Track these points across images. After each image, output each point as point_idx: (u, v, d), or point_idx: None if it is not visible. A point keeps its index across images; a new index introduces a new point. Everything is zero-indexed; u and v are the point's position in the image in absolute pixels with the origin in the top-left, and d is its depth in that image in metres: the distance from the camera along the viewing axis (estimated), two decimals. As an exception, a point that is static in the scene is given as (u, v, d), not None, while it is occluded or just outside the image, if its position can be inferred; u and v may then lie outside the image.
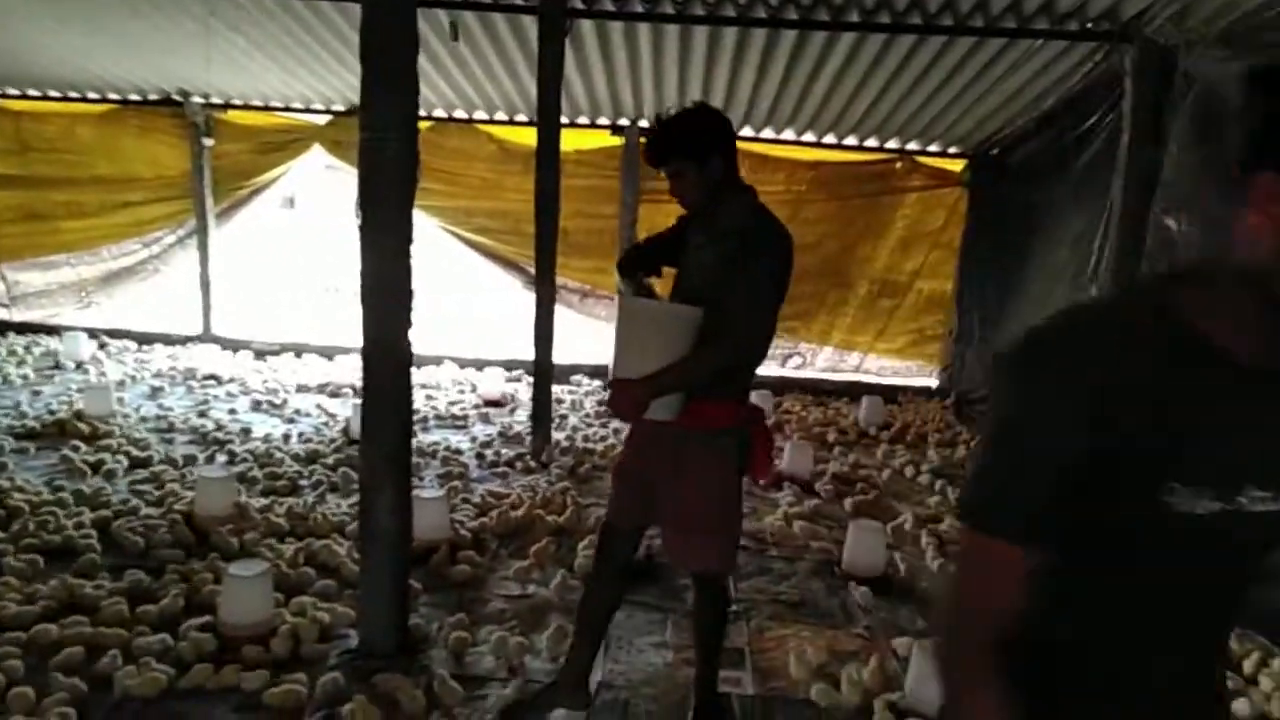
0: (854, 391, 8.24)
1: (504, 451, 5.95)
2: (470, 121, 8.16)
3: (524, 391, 7.45)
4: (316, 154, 8.44)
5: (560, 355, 6.18)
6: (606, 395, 2.82)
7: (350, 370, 7.83)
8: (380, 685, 3.21)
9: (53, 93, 8.42)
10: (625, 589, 3.22)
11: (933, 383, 8.56)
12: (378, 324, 3.30)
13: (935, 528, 5.10)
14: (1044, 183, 6.89)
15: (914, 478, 6.08)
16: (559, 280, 6.23)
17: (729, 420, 2.80)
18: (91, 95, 8.40)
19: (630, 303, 2.82)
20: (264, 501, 4.80)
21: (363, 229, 3.23)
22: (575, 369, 8.19)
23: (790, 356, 8.64)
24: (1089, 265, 5.95)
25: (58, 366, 7.55)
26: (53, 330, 8.44)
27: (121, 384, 7.11)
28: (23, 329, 8.47)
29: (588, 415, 7.07)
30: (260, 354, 8.31)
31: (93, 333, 8.33)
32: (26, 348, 8.02)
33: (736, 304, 2.64)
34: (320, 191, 9.59)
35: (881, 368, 8.71)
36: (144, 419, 6.25)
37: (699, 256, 2.82)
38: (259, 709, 3.07)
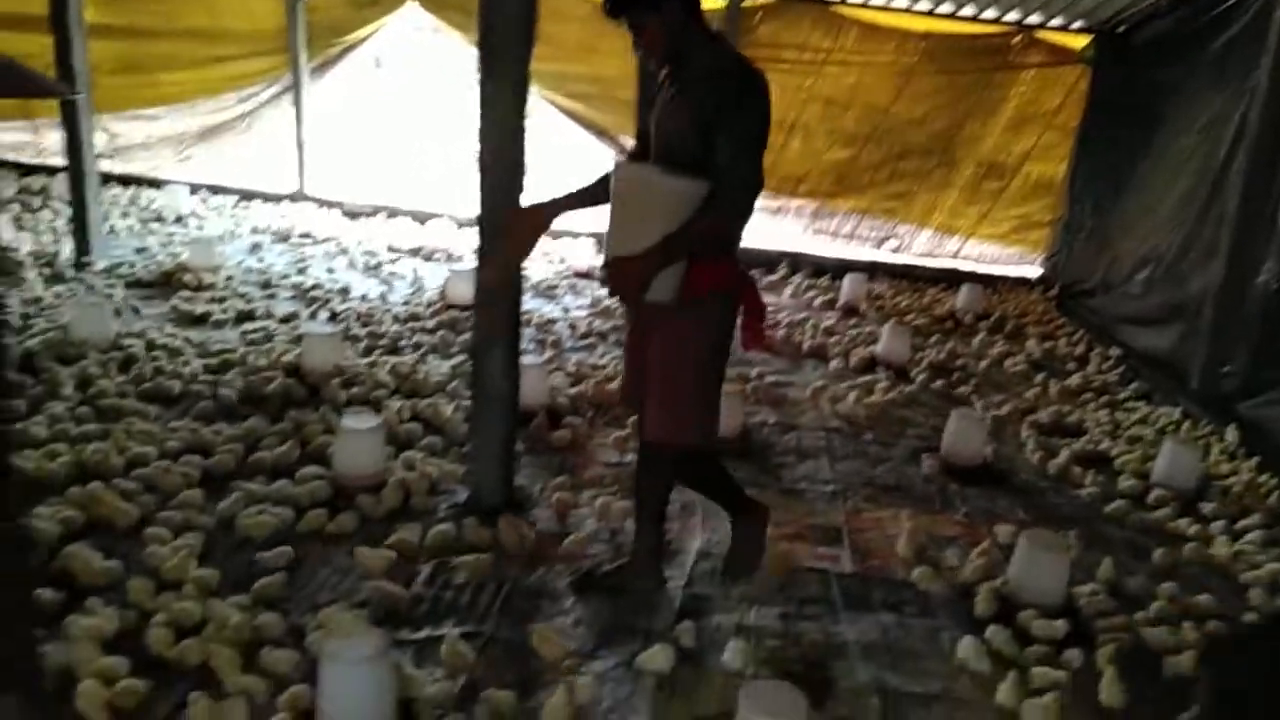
0: (950, 279, 8.03)
1: (595, 323, 5.96)
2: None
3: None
4: (407, 14, 8.27)
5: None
6: (603, 275, 2.63)
7: (442, 235, 7.85)
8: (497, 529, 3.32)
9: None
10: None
11: (1034, 273, 8.28)
12: (493, 189, 3.26)
13: (1034, 418, 5.01)
14: (1174, 63, 6.44)
15: (1013, 369, 5.94)
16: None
17: (710, 284, 2.65)
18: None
19: (629, 172, 2.67)
20: (367, 360, 4.89)
21: (483, 93, 3.16)
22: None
23: (886, 238, 8.41)
24: (1218, 154, 5.59)
25: (159, 219, 7.70)
26: (153, 183, 8.58)
27: (221, 238, 7.24)
28: (125, 181, 8.62)
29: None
30: (352, 215, 8.37)
31: (193, 187, 8.45)
32: (131, 200, 8.18)
33: (724, 159, 2.51)
34: (408, 54, 9.41)
35: (981, 254, 8.45)
36: (246, 273, 6.38)
37: (674, 114, 2.63)
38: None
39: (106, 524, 3.20)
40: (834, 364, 5.59)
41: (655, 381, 2.79)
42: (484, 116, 3.20)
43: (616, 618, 2.99)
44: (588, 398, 4.69)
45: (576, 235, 8.03)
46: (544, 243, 7.83)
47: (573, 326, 5.92)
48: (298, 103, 8.53)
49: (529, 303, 6.28)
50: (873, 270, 7.86)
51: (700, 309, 2.68)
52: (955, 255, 8.45)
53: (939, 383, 5.47)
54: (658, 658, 2.73)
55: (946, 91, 7.92)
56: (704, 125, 2.52)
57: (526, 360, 4.46)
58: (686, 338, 2.71)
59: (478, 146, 3.23)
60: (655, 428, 2.83)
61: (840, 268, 7.68)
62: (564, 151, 9.21)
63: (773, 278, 7.58)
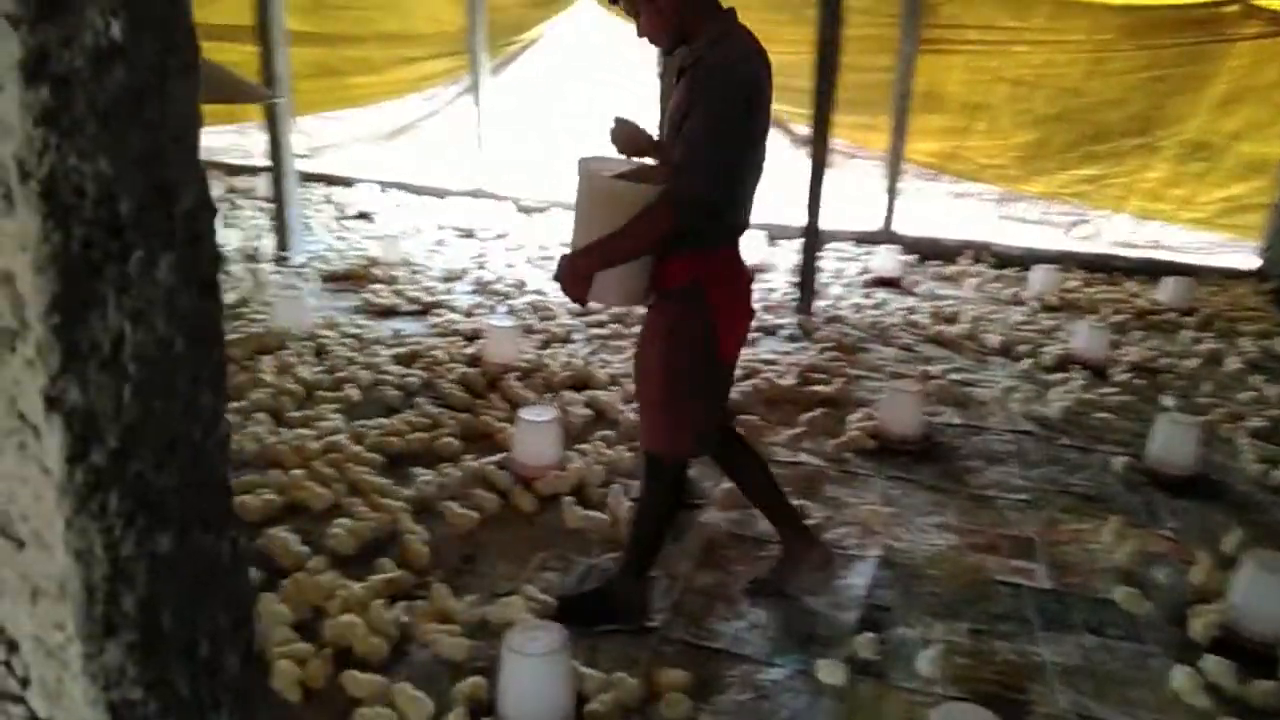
0: (1150, 269, 7.43)
1: (765, 318, 5.85)
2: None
3: (782, 258, 7.26)
4: (583, 11, 8.38)
5: (824, 220, 5.91)
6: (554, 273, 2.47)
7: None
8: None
9: (344, -50, 8.76)
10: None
11: (1244, 263, 7.56)
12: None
13: (1251, 424, 4.55)
14: None
15: (1225, 369, 5.43)
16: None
17: (680, 278, 2.47)
18: (378, -48, 8.67)
19: (583, 172, 2.50)
20: (544, 352, 4.97)
21: (664, 81, 3.12)
22: (835, 235, 7.86)
23: (1077, 224, 7.88)
24: None
25: (352, 216, 8.12)
26: (346, 182, 9.06)
27: (407, 234, 7.55)
28: (320, 180, 9.14)
29: (850, 283, 6.80)
30: (527, 210, 8.56)
31: (382, 185, 8.87)
32: (326, 198, 8.66)
33: (680, 153, 2.34)
34: (584, 50, 9.53)
35: (1184, 242, 7.79)
36: (430, 268, 6.62)
37: (672, 107, 2.45)
38: (553, 538, 3.23)
39: (303, 507, 3.37)
40: (1023, 363, 5.26)
41: (639, 383, 2.68)
42: (663, 108, 3.16)
43: (794, 624, 2.90)
44: (756, 395, 4.60)
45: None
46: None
47: (744, 320, 5.82)
48: (477, 101, 8.80)
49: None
50: (1064, 260, 7.38)
51: (670, 306, 2.53)
52: (1155, 245, 7.82)
53: (1141, 383, 5.06)
54: (836, 670, 2.63)
55: (1147, 69, 7.34)
56: (681, 119, 2.37)
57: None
58: (656, 337, 2.57)
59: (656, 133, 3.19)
60: (642, 435, 2.71)
61: (1028, 258, 7.25)
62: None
63: (953, 269, 7.23)
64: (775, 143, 8.23)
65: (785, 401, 4.59)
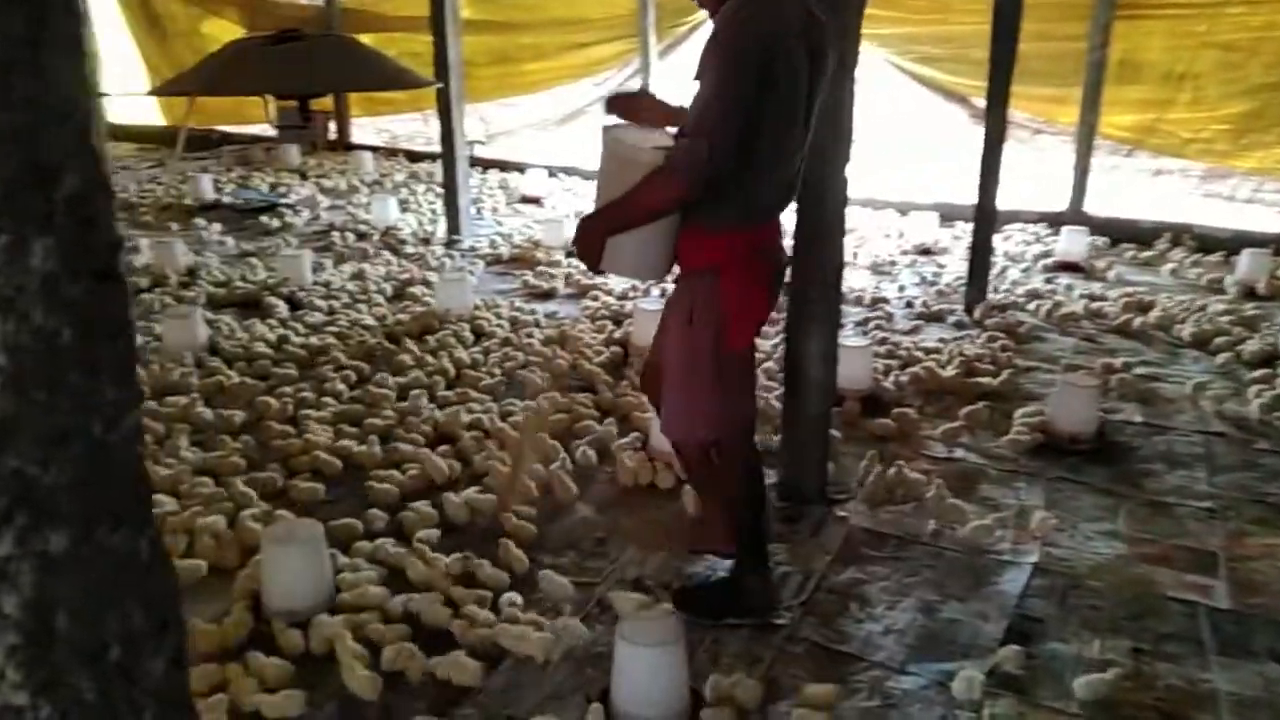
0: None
1: (932, 304, 5.56)
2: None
3: (955, 240, 6.89)
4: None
5: (1003, 200, 5.55)
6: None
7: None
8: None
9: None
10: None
11: None
12: (815, 158, 3.06)
13: None
14: None
15: None
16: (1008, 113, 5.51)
17: (696, 260, 2.42)
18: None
19: (605, 135, 2.43)
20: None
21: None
22: (1016, 215, 7.38)
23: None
24: None
25: (522, 200, 8.31)
26: (518, 167, 9.28)
27: (570, 218, 7.64)
28: (494, 165, 9.41)
29: (1028, 267, 6.37)
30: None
31: (550, 170, 9.03)
32: (499, 183, 8.91)
33: (686, 122, 2.29)
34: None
35: None
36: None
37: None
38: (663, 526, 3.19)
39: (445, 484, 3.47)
40: (1221, 356, 4.77)
41: (664, 367, 2.61)
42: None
43: (933, 630, 2.73)
44: (915, 384, 4.37)
45: (917, 208, 7.57)
46: (881, 216, 7.53)
47: (909, 305, 5.56)
48: (645, 84, 8.79)
49: (859, 279, 6.01)
50: (1276, 244, 6.63)
51: (685, 289, 2.47)
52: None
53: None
54: (975, 683, 2.45)
55: None
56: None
57: (850, 342, 4.26)
58: (672, 321, 2.52)
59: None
60: (664, 419, 2.67)
61: (1235, 241, 6.56)
62: (909, 118, 8.76)
63: (1148, 253, 6.64)
64: (952, 116, 7.88)
65: (946, 393, 4.35)
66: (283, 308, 5.31)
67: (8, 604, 0.48)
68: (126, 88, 10.15)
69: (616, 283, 5.92)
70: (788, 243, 2.72)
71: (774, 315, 3.01)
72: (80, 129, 0.48)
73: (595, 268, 2.45)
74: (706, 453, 2.67)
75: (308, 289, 5.60)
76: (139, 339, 4.70)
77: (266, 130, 7.97)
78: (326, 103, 9.75)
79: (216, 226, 7.00)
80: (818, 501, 3.36)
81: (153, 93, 9.11)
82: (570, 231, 6.76)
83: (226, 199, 7.86)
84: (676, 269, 2.51)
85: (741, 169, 2.28)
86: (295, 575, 2.73)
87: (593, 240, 2.37)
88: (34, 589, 0.49)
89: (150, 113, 10.76)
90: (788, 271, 2.74)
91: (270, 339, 4.77)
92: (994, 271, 5.85)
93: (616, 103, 2.61)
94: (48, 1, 0.45)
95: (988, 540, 3.14)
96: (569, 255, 2.48)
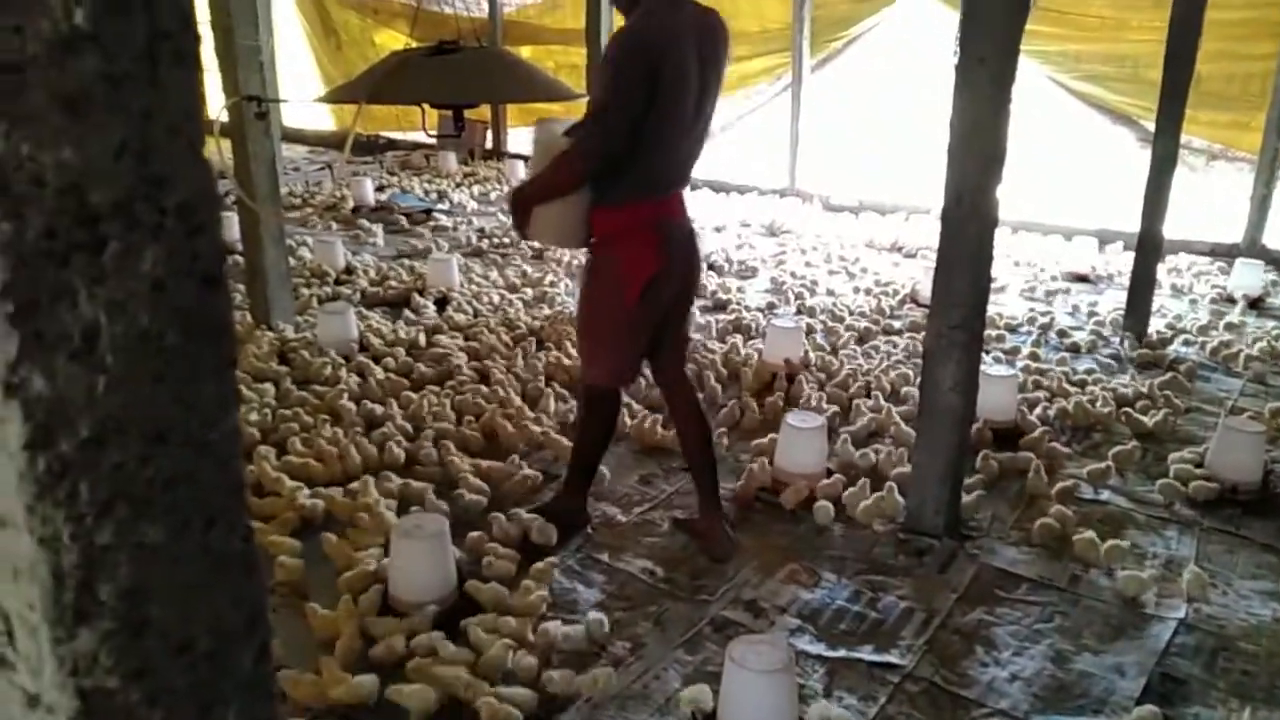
0: None
1: (1086, 334, 5.27)
2: (1093, -51, 7.07)
3: (1115, 268, 6.53)
4: (909, 5, 8.05)
5: (1171, 228, 5.22)
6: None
7: (922, 231, 7.53)
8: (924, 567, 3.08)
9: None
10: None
11: None
12: (962, 177, 2.97)
13: None
14: None
15: None
16: (1182, 137, 5.18)
17: (599, 229, 2.84)
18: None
19: (538, 126, 3.00)
20: (829, 355, 4.82)
21: (959, 70, 2.88)
22: (1184, 246, 6.94)
23: None
24: None
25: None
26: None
27: (717, 230, 7.63)
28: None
29: (1195, 301, 5.97)
30: (836, 209, 8.37)
31: (693, 184, 9.03)
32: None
33: (587, 109, 2.79)
34: (907, 44, 9.14)
35: None
36: (730, 264, 6.65)
37: None
38: (807, 550, 3.12)
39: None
40: None
41: (578, 321, 3.10)
42: (958, 99, 2.93)
43: (1064, 681, 2.58)
44: (1062, 419, 4.15)
45: (1075, 233, 7.21)
46: (1035, 240, 7.20)
47: (1061, 334, 5.29)
48: (795, 98, 8.72)
49: (1007, 304, 5.77)
50: None
51: (593, 254, 2.91)
52: None
53: None
54: (1106, 742, 2.30)
55: None
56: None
57: (994, 370, 4.09)
58: (583, 280, 3.02)
59: (950, 129, 2.97)
60: (586, 365, 3.11)
61: None
62: (1073, 137, 8.37)
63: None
64: (1120, 139, 7.49)
65: (1095, 430, 4.12)
66: (430, 309, 5.50)
67: (104, 592, 0.50)
68: (301, 93, 10.79)
69: (756, 298, 5.88)
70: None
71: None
72: (191, 141, 0.50)
73: (523, 234, 2.91)
74: (610, 396, 3.12)
75: (456, 291, 5.79)
76: (301, 330, 4.97)
77: (427, 137, 8.31)
78: (484, 112, 10.08)
79: (375, 228, 7.33)
80: (947, 536, 3.23)
81: (321, 99, 9.64)
82: (709, 244, 6.84)
83: (385, 202, 8.23)
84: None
85: (635, 151, 2.67)
86: (421, 568, 2.81)
87: (521, 209, 2.81)
88: (130, 579, 0.51)
89: (322, 118, 11.38)
90: (698, 241, 3.12)
91: (415, 338, 4.94)
92: (1156, 303, 5.51)
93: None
94: (166, 17, 0.48)
95: (1131, 590, 2.95)
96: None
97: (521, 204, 2.82)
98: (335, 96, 5.34)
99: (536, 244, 4.70)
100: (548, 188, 2.77)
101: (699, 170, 8.80)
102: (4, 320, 0.45)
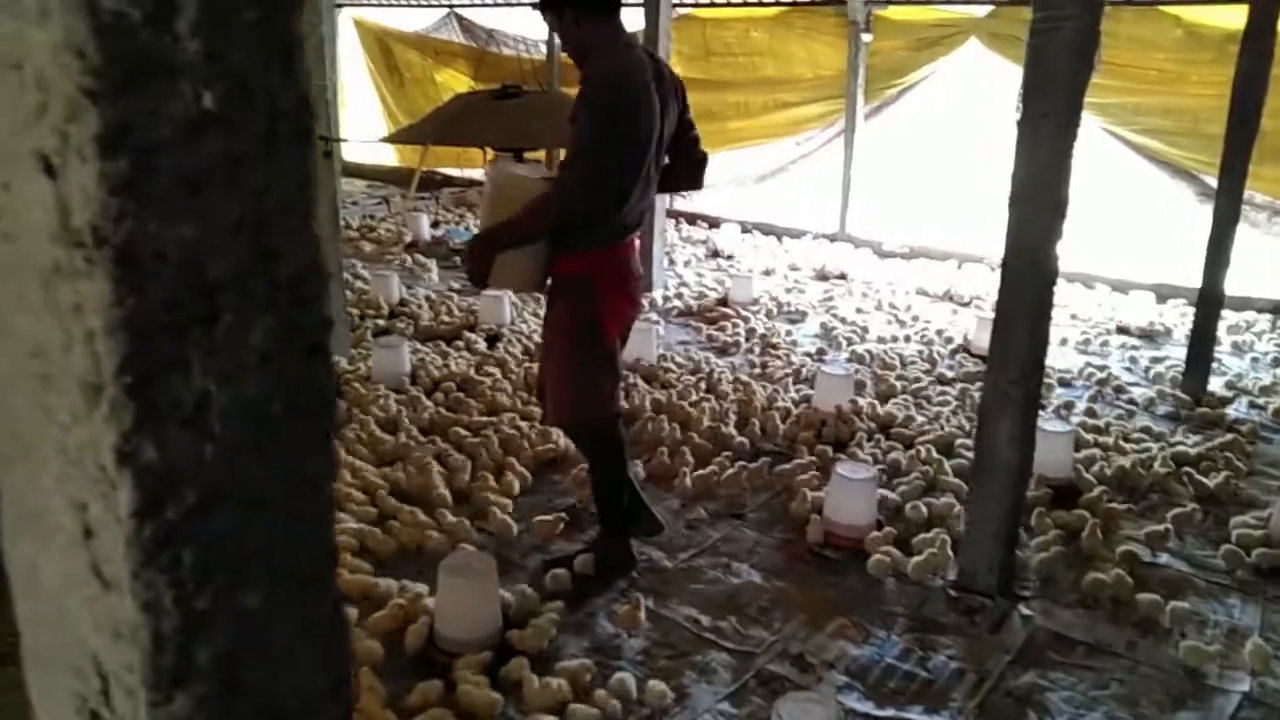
0: None
1: (1145, 391, 5.17)
2: (1154, 3, 7.01)
3: (1175, 324, 6.40)
4: (968, 51, 8.05)
5: (1233, 284, 5.11)
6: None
7: (975, 280, 7.47)
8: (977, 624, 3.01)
9: (734, -2, 9.12)
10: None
11: None
12: (1023, 230, 2.95)
13: None
14: None
15: None
16: (1245, 193, 5.09)
17: (573, 269, 2.85)
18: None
19: (491, 169, 3.03)
20: (876, 403, 4.77)
21: (1022, 123, 2.87)
22: (1247, 302, 6.79)
23: None
24: None
25: (714, 255, 8.38)
26: (712, 221, 9.39)
27: (761, 274, 7.64)
28: (688, 218, 9.57)
29: (1258, 359, 5.83)
30: (887, 255, 8.33)
31: (743, 225, 9.08)
32: (691, 237, 9.04)
33: (566, 158, 2.77)
34: (961, 92, 9.12)
35: None
36: (780, 308, 6.65)
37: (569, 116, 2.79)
38: (855, 604, 3.07)
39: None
40: None
41: (544, 363, 3.11)
42: (1021, 153, 2.91)
43: (1120, 752, 2.50)
44: (1120, 477, 4.05)
45: (1133, 287, 7.10)
46: (1093, 293, 7.10)
47: (1118, 390, 5.19)
48: (848, 144, 8.73)
49: (1064, 358, 5.67)
50: None
51: (566, 294, 2.91)
52: None
53: None
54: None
55: None
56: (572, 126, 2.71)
57: (1050, 426, 4.02)
58: (558, 320, 2.97)
59: (1011, 183, 2.95)
60: (552, 408, 3.06)
61: None
62: (1130, 190, 8.28)
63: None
64: (1179, 195, 7.37)
65: (1154, 489, 4.02)
66: (481, 344, 5.55)
67: (201, 656, 0.51)
68: (364, 128, 11.02)
69: (805, 343, 5.86)
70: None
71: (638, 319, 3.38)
72: (302, 216, 0.51)
73: (483, 284, 2.87)
74: (609, 426, 3.09)
75: (507, 328, 5.84)
76: (354, 362, 5.04)
77: (482, 175, 8.42)
78: (541, 153, 10.24)
79: (429, 263, 7.44)
80: (1000, 595, 3.16)
81: (388, 140, 9.85)
82: (757, 287, 6.84)
83: (440, 238, 8.35)
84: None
85: (608, 194, 2.72)
86: (468, 607, 2.81)
87: (485, 258, 2.74)
88: (226, 644, 0.52)
89: (383, 153, 11.61)
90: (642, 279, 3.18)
91: (466, 372, 4.99)
92: (1217, 361, 5.39)
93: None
94: (286, 97, 0.49)
95: (1193, 660, 2.85)
96: (467, 280, 3.00)
97: (490, 251, 2.74)
98: (401, 137, 5.47)
99: (492, 290, 4.65)
100: (523, 234, 2.73)
101: (749, 212, 8.87)
102: (121, 391, 0.46)
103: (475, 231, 3.13)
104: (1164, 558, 3.50)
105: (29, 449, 0.51)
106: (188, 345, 0.48)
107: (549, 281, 2.95)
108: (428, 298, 6.53)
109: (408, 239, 8.28)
